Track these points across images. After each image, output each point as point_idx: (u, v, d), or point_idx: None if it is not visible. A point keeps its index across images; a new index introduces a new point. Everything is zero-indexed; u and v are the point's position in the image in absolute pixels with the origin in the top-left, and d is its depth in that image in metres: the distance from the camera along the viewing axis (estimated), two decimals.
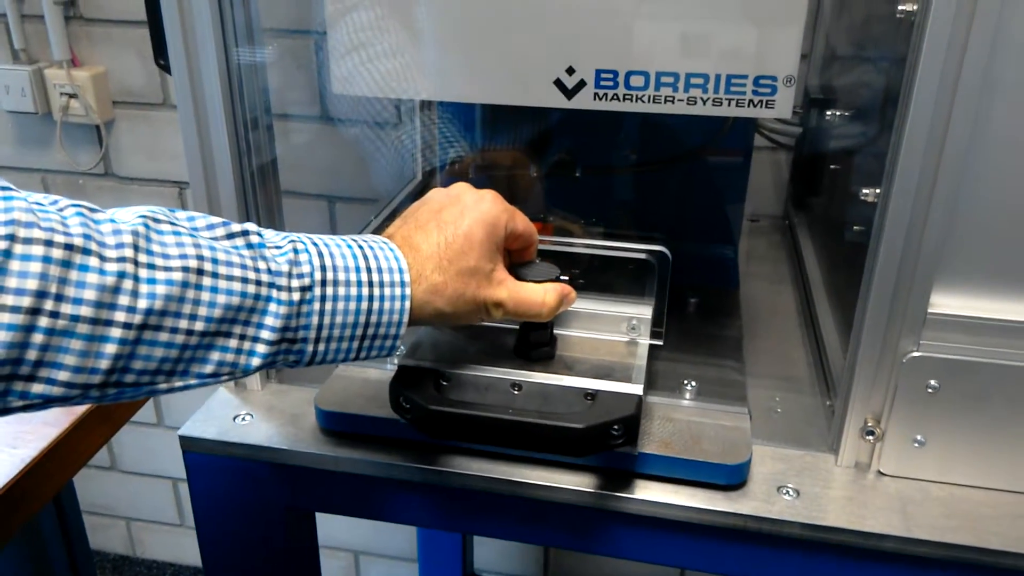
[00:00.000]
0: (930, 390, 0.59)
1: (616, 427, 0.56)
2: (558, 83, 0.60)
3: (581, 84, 0.60)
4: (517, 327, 0.65)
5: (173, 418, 1.65)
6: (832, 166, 0.91)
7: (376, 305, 0.53)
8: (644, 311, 0.69)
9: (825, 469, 0.63)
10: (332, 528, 1.71)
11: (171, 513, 1.80)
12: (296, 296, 0.50)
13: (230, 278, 0.48)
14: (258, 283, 0.49)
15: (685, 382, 0.68)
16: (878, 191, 0.58)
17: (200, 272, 0.46)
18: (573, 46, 0.59)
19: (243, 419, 0.69)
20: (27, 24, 1.32)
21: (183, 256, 0.46)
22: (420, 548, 1.49)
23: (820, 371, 0.75)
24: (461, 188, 0.60)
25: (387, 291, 0.53)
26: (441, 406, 0.57)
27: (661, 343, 0.68)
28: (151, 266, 0.45)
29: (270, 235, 0.52)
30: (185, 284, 0.46)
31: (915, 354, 0.58)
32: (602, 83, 0.59)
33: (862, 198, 0.64)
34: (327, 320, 0.51)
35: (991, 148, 0.54)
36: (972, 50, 0.51)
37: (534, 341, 0.64)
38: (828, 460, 0.64)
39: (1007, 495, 0.61)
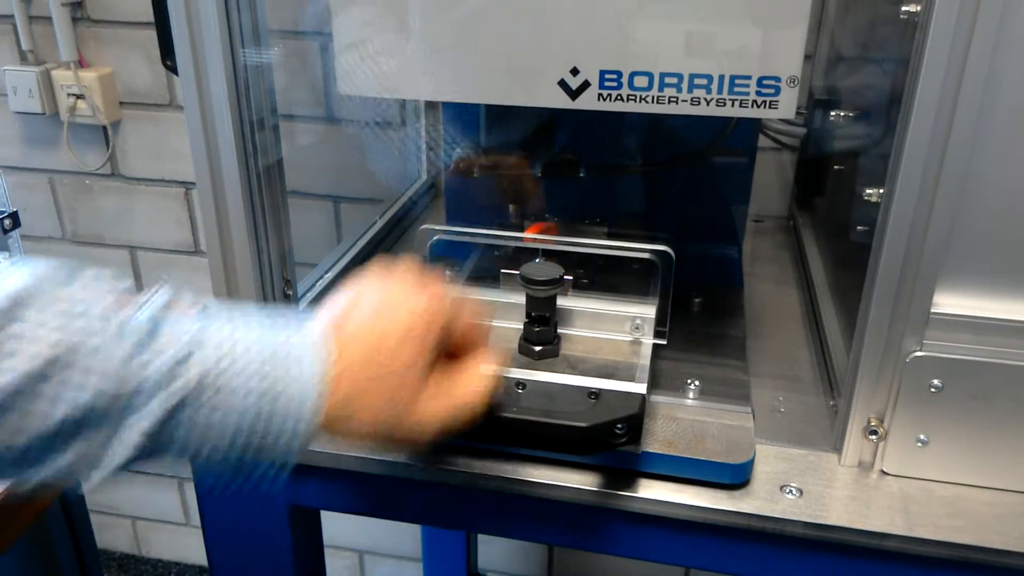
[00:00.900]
0: (933, 390, 0.59)
1: (620, 426, 0.56)
2: (562, 84, 0.60)
3: (585, 85, 0.60)
4: (521, 326, 0.65)
5: None
6: (836, 167, 0.91)
7: (266, 431, 0.47)
8: (648, 311, 0.69)
9: (828, 468, 0.63)
10: (337, 527, 1.72)
11: (177, 512, 1.81)
12: (173, 401, 0.44)
13: (104, 375, 0.42)
14: (136, 382, 0.43)
15: (689, 381, 0.68)
16: (882, 191, 0.58)
17: (67, 365, 0.42)
18: (577, 47, 0.59)
19: None
20: (35, 25, 1.32)
21: (56, 342, 0.41)
22: (424, 547, 1.50)
23: (824, 371, 0.76)
24: (399, 283, 0.53)
25: (286, 424, 0.47)
26: None
27: (664, 342, 0.68)
28: None
29: (174, 327, 0.46)
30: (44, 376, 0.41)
31: (918, 353, 0.59)
32: (606, 84, 0.60)
33: (866, 198, 0.64)
34: (205, 435, 0.46)
35: (994, 148, 0.54)
36: (975, 50, 0.51)
37: (539, 339, 0.65)
38: (832, 459, 0.64)
39: (1010, 495, 0.61)
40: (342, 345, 0.49)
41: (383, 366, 0.49)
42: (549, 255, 0.65)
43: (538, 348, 0.65)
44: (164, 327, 0.45)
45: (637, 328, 0.68)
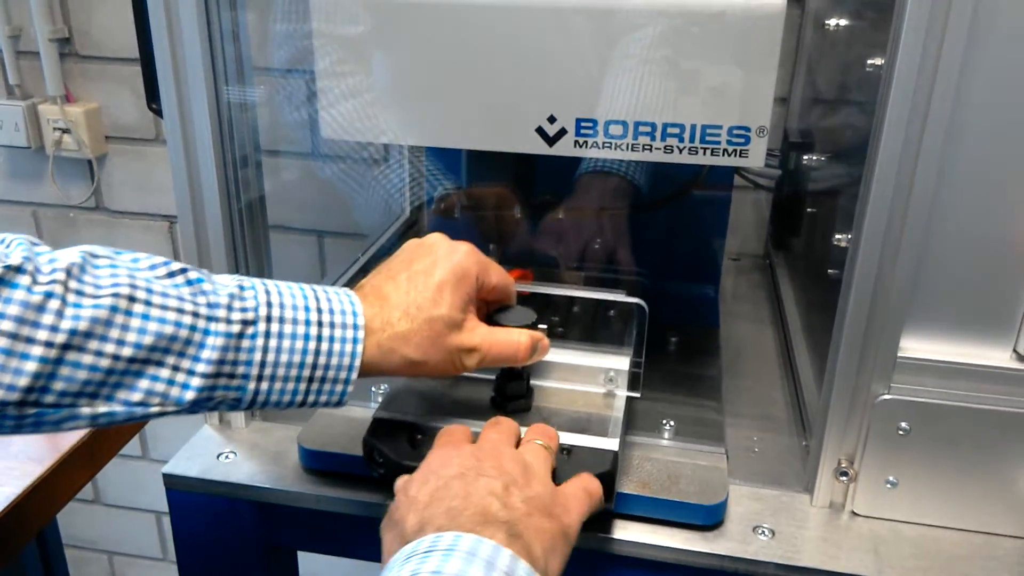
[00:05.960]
0: (901, 432, 0.60)
1: None
2: (540, 131, 0.62)
3: (562, 132, 0.62)
4: (494, 379, 0.65)
5: (158, 450, 1.65)
6: (809, 209, 0.93)
7: (325, 346, 0.52)
8: (622, 362, 0.69)
9: (801, 509, 0.64)
10: (314, 567, 1.70)
11: (154, 547, 1.79)
12: (236, 328, 0.50)
13: (164, 307, 0.48)
14: (195, 315, 0.49)
15: (664, 421, 0.69)
16: (850, 237, 0.60)
17: (132, 299, 0.47)
18: (554, 96, 0.61)
19: (227, 456, 0.69)
20: (22, 60, 1.34)
21: (115, 285, 0.47)
22: None
23: (797, 411, 0.77)
24: (435, 238, 0.60)
25: (338, 332, 0.52)
26: (415, 461, 0.55)
27: (639, 395, 0.68)
28: (80, 292, 0.46)
29: (220, 277, 0.53)
30: (114, 309, 0.46)
31: (886, 397, 0.60)
32: (582, 131, 0.61)
33: (835, 243, 0.66)
34: (271, 357, 0.51)
35: (957, 196, 0.56)
36: (936, 102, 0.53)
37: (511, 393, 0.64)
38: (804, 500, 0.65)
39: (977, 535, 0.62)
40: (378, 293, 0.56)
41: (422, 309, 0.55)
42: (523, 301, 0.65)
43: (511, 401, 0.64)
44: (213, 276, 0.52)
45: (611, 380, 0.68)
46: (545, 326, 0.65)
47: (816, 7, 1.00)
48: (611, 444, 0.60)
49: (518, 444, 0.56)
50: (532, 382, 0.66)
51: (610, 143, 0.61)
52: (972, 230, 0.57)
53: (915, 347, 0.60)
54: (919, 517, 0.63)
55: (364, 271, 1.02)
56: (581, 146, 0.62)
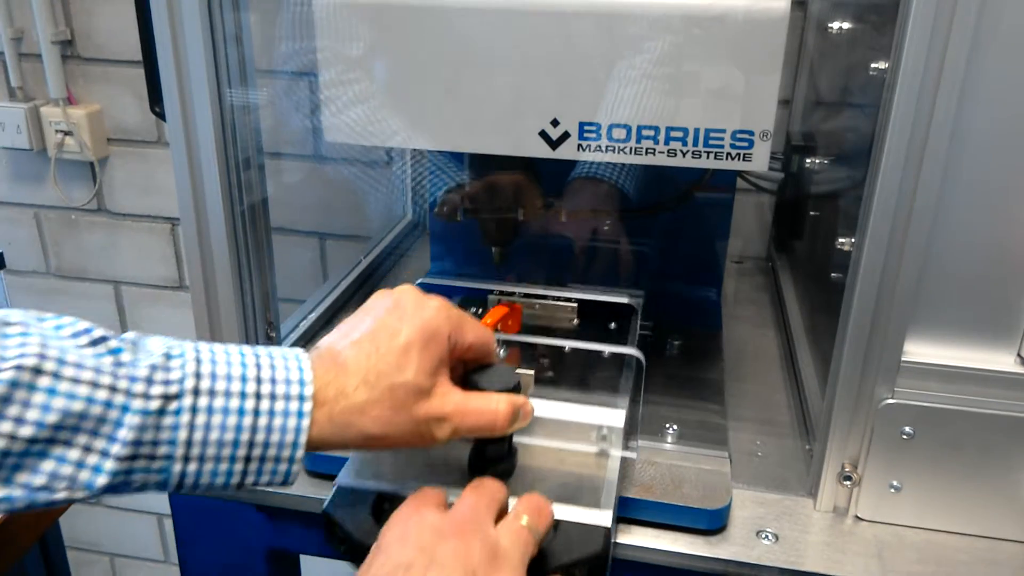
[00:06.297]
0: (905, 436, 0.60)
1: (578, 570, 0.50)
2: (543, 134, 0.62)
3: (565, 136, 0.62)
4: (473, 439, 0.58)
5: None
6: (812, 212, 0.93)
7: (264, 421, 0.46)
8: (616, 417, 0.62)
9: (804, 514, 0.64)
10: (317, 571, 1.69)
11: (155, 549, 1.78)
12: (155, 404, 0.44)
13: (76, 380, 0.42)
14: (112, 389, 0.43)
15: (667, 425, 0.69)
16: (853, 240, 0.60)
17: (38, 371, 0.42)
18: (557, 99, 0.61)
19: None
20: (24, 63, 1.34)
21: (21, 356, 0.42)
22: None
23: (800, 415, 0.77)
24: (404, 292, 0.53)
25: (279, 405, 0.46)
26: None
27: (635, 456, 0.63)
28: None
29: (152, 341, 0.47)
30: (14, 383, 0.41)
31: (890, 401, 0.60)
32: (585, 135, 0.61)
33: (838, 246, 0.66)
34: (198, 435, 0.45)
35: (961, 200, 0.56)
36: (940, 106, 0.53)
37: (491, 456, 0.57)
38: (807, 504, 0.65)
39: (981, 540, 0.62)
40: (334, 356, 0.49)
41: (384, 376, 0.49)
42: (512, 343, 0.61)
43: (491, 465, 0.57)
44: (139, 342, 0.46)
45: (603, 439, 0.61)
46: (532, 372, 0.61)
47: (819, 10, 1.00)
48: (603, 518, 0.54)
49: (503, 514, 0.50)
50: (517, 438, 0.59)
51: (613, 146, 0.61)
52: (976, 234, 0.57)
53: (919, 351, 0.60)
54: (923, 522, 0.63)
55: (366, 274, 1.02)
56: (584, 150, 0.62)
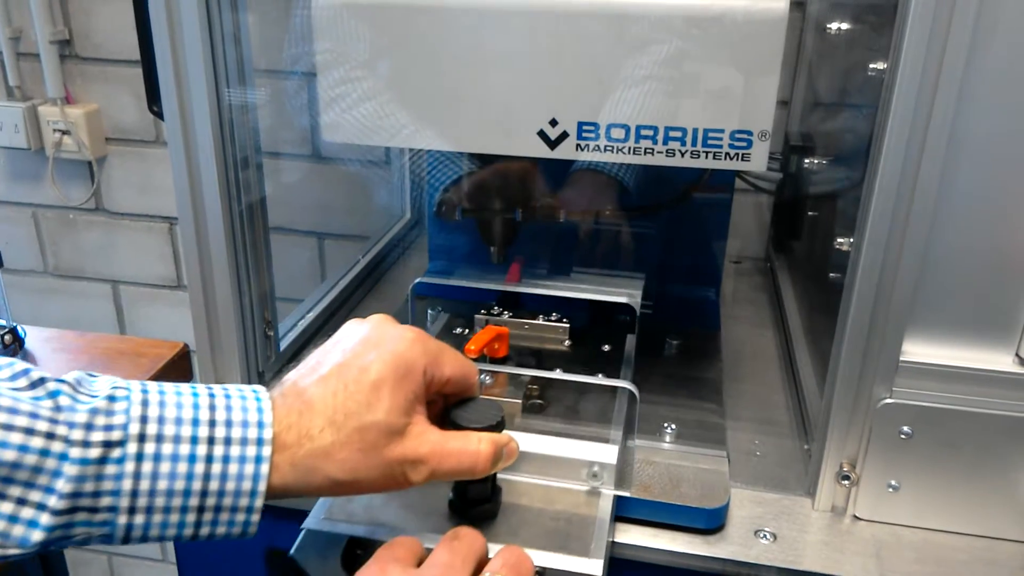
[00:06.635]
0: (903, 436, 0.60)
1: None
2: (541, 134, 0.62)
3: (564, 135, 0.62)
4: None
5: None
6: (810, 212, 0.93)
7: (218, 469, 0.42)
8: (608, 453, 0.60)
9: (802, 513, 0.64)
10: None
11: (153, 549, 1.78)
12: (95, 453, 0.40)
13: (9, 427, 0.39)
14: (50, 436, 0.40)
15: (665, 425, 0.69)
16: (851, 240, 0.60)
17: None
18: (556, 99, 0.61)
19: None
20: (22, 62, 1.33)
21: None
22: None
23: (798, 414, 0.77)
24: (376, 323, 0.49)
25: (235, 451, 0.42)
26: None
27: (628, 494, 0.60)
28: None
29: (99, 382, 0.43)
30: None
31: (888, 401, 0.60)
32: (584, 135, 0.61)
33: (836, 246, 0.66)
34: (144, 485, 0.41)
35: (959, 200, 0.56)
36: (939, 107, 0.53)
37: (473, 496, 0.54)
38: (805, 504, 0.65)
39: (978, 540, 0.62)
40: (299, 394, 0.45)
41: (352, 415, 0.45)
42: (497, 373, 0.59)
43: (473, 507, 0.54)
44: (82, 384, 0.42)
45: (595, 476, 0.59)
46: (519, 400, 0.59)
47: (817, 11, 1.01)
48: (594, 568, 0.51)
49: (481, 566, 0.46)
50: (502, 475, 0.56)
51: (612, 146, 0.61)
52: (975, 234, 0.57)
53: (917, 351, 0.60)
54: (921, 521, 0.63)
55: (364, 273, 1.02)
56: (583, 149, 0.62)
